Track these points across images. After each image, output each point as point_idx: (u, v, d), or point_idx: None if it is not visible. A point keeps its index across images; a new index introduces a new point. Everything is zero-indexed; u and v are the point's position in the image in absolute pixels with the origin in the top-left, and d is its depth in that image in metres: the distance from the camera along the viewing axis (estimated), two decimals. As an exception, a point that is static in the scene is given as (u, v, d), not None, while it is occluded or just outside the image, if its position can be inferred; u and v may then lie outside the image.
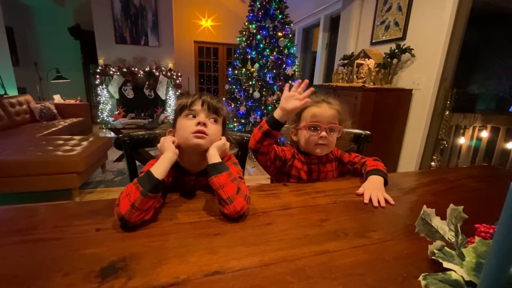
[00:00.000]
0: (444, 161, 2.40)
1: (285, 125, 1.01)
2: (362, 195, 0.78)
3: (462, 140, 2.45)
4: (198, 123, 0.71)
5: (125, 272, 0.44)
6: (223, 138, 0.76)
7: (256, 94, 3.32)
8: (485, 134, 2.41)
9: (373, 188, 0.78)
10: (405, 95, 2.28)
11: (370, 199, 0.76)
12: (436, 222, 0.50)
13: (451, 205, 0.49)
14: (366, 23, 2.90)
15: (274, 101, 3.38)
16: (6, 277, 0.43)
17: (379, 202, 0.74)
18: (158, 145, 0.74)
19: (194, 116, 0.74)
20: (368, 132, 1.18)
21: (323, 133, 0.89)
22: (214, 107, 0.75)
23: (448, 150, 2.41)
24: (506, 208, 0.30)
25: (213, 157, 0.69)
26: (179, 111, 0.76)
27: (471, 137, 2.43)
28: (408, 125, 2.35)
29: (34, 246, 0.51)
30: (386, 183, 0.84)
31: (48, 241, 0.52)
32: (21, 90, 4.08)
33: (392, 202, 0.75)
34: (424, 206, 0.52)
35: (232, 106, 3.55)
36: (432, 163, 2.28)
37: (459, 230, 0.47)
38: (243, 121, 3.52)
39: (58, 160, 2.05)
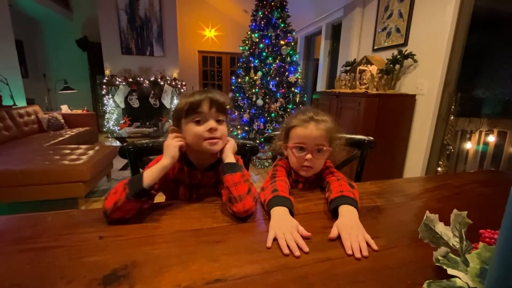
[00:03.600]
0: (451, 166, 2.36)
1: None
2: (338, 237, 0.59)
3: (468, 145, 2.41)
4: (210, 129, 0.71)
5: (127, 280, 0.44)
6: (232, 140, 0.80)
7: (259, 102, 3.35)
8: (492, 138, 2.38)
9: (350, 228, 0.59)
10: (408, 101, 2.27)
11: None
12: (440, 228, 0.50)
13: (455, 211, 0.49)
14: (368, 30, 2.92)
15: (277, 108, 3.40)
16: (10, 285, 0.43)
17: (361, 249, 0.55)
18: (164, 143, 0.72)
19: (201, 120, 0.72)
20: (371, 138, 1.16)
21: (308, 156, 0.82)
22: (222, 108, 0.74)
23: (455, 155, 2.38)
24: (507, 213, 0.30)
25: (229, 157, 0.75)
26: (185, 114, 0.72)
27: (478, 141, 2.40)
28: (412, 130, 2.33)
29: (38, 254, 0.51)
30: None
31: (52, 249, 0.53)
32: (30, 101, 4.18)
33: (375, 247, 0.56)
34: (427, 211, 0.51)
35: (236, 113, 3.58)
36: (439, 169, 2.25)
37: (464, 236, 0.46)
38: (246, 128, 3.55)
39: (65, 169, 2.08)
